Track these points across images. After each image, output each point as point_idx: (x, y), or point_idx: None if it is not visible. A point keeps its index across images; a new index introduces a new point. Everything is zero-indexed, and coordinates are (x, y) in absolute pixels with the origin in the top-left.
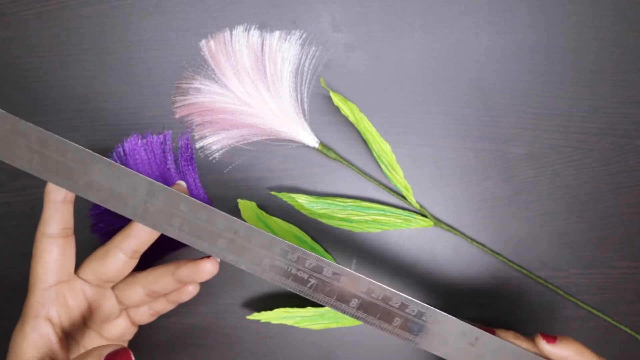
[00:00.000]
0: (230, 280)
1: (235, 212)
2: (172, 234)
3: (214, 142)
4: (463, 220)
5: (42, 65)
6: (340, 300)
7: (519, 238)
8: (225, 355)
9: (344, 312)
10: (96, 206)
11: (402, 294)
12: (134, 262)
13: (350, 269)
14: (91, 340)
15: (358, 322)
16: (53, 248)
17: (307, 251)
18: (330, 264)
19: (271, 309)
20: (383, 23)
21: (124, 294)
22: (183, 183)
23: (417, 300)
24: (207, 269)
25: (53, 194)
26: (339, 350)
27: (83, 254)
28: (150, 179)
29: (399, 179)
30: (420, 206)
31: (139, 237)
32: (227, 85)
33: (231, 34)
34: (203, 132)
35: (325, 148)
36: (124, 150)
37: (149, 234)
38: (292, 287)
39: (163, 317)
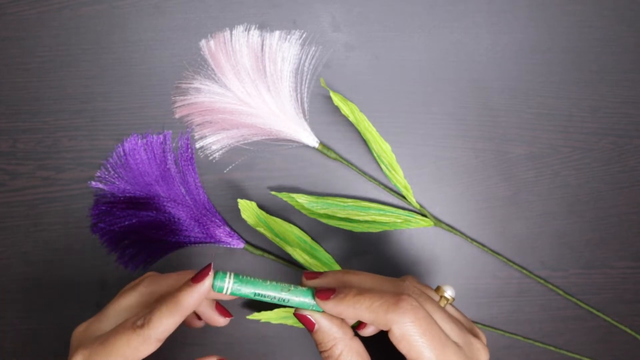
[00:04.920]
0: None
1: (236, 212)
2: None
3: (214, 142)
4: (463, 220)
5: (42, 65)
6: None
7: (519, 238)
8: (225, 355)
9: None
10: (96, 206)
11: None
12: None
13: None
14: None
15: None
16: (155, 347)
17: None
18: None
19: (271, 309)
20: (383, 23)
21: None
22: None
23: None
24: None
25: (190, 299)
26: None
27: (83, 254)
28: None
29: (399, 179)
30: (420, 206)
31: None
32: (227, 85)
33: (231, 34)
34: (203, 132)
35: (325, 148)
36: (124, 150)
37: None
38: None
39: None
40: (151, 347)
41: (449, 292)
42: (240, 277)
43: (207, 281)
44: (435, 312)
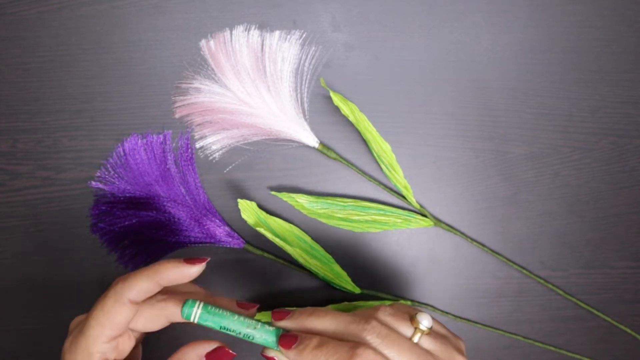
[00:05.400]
0: (230, 281)
1: (236, 212)
2: None
3: (214, 142)
4: (463, 220)
5: (42, 65)
6: None
7: (519, 238)
8: None
9: None
10: (96, 206)
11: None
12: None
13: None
14: None
15: None
16: (128, 313)
17: None
18: None
19: (271, 308)
20: (383, 23)
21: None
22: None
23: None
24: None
25: (169, 273)
26: None
27: (83, 254)
28: None
29: (399, 179)
30: (420, 206)
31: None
32: (227, 85)
33: (231, 34)
34: (203, 132)
35: (325, 148)
36: (124, 150)
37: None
38: None
39: None
40: (124, 309)
41: (424, 323)
42: (209, 308)
43: (195, 269)
44: (401, 354)
